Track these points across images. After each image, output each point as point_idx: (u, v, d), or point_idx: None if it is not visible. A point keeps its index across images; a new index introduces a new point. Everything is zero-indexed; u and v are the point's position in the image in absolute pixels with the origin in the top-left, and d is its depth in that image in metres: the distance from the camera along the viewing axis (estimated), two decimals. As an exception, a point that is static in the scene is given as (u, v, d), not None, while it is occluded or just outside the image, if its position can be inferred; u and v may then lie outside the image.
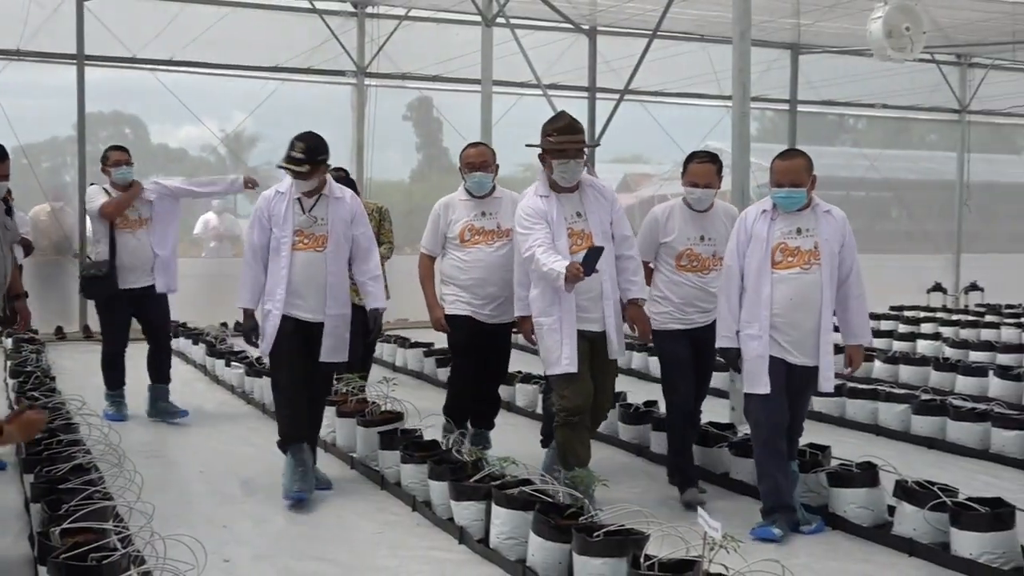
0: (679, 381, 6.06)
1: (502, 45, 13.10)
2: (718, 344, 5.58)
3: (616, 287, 5.75)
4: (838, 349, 5.52)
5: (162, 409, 8.11)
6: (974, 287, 17.62)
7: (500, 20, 12.81)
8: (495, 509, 4.91)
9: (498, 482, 5.12)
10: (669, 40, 15.23)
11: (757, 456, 5.49)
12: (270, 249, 5.98)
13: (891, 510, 5.32)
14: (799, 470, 5.63)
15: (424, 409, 6.84)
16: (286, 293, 5.90)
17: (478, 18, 12.93)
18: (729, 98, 7.98)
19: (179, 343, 11.36)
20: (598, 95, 16.24)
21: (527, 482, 5.05)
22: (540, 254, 5.42)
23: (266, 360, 6.65)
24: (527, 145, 5.87)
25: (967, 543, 4.74)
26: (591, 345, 5.61)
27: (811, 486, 5.68)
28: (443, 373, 9.37)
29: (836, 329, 5.48)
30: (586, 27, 15.76)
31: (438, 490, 5.41)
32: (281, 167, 5.91)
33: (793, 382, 5.40)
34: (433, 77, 15.88)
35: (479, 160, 6.57)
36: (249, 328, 6.11)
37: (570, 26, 14.74)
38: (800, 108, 17.81)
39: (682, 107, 17.63)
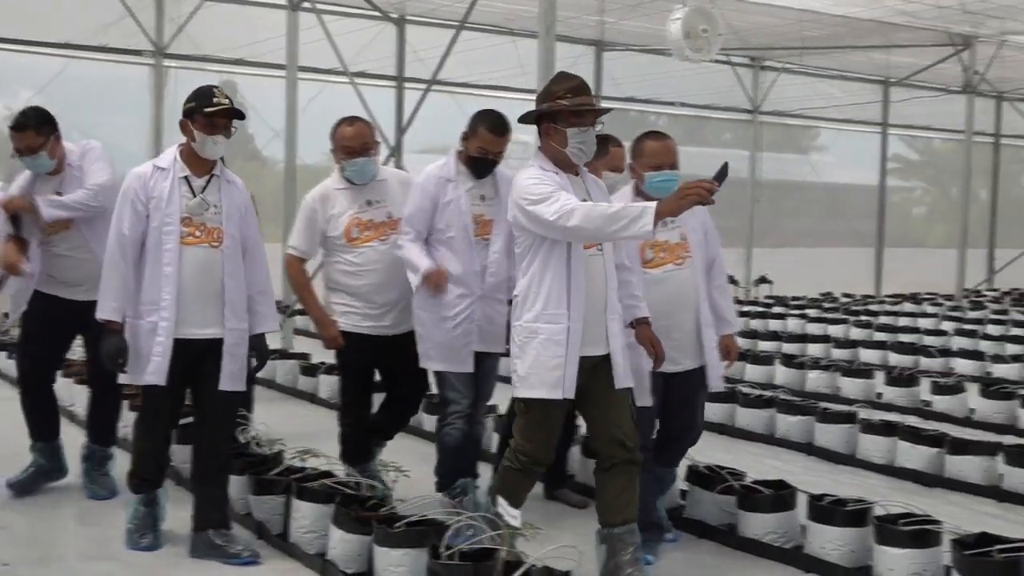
0: None
1: (309, 30, 12.86)
2: None
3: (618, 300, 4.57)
4: None
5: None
6: (763, 280, 18.55)
7: (306, 5, 12.58)
8: (295, 503, 4.82)
9: (299, 475, 5.03)
10: (478, 32, 15.34)
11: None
12: (146, 243, 4.69)
13: (683, 494, 5.52)
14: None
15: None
16: (175, 302, 4.66)
17: (284, 1, 12.66)
18: (535, 92, 8.08)
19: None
20: (406, 85, 16.19)
21: (328, 475, 4.98)
22: (591, 207, 4.17)
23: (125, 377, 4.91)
24: (522, 118, 4.56)
25: (753, 524, 4.98)
26: (588, 374, 4.35)
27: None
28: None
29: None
30: (395, 15, 15.68)
31: (236, 485, 5.27)
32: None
33: (677, 391, 4.90)
34: (237, 61, 15.46)
35: (358, 143, 5.37)
36: (115, 349, 4.72)
37: (378, 14, 14.64)
38: (603, 104, 18.21)
39: (489, 100, 17.77)
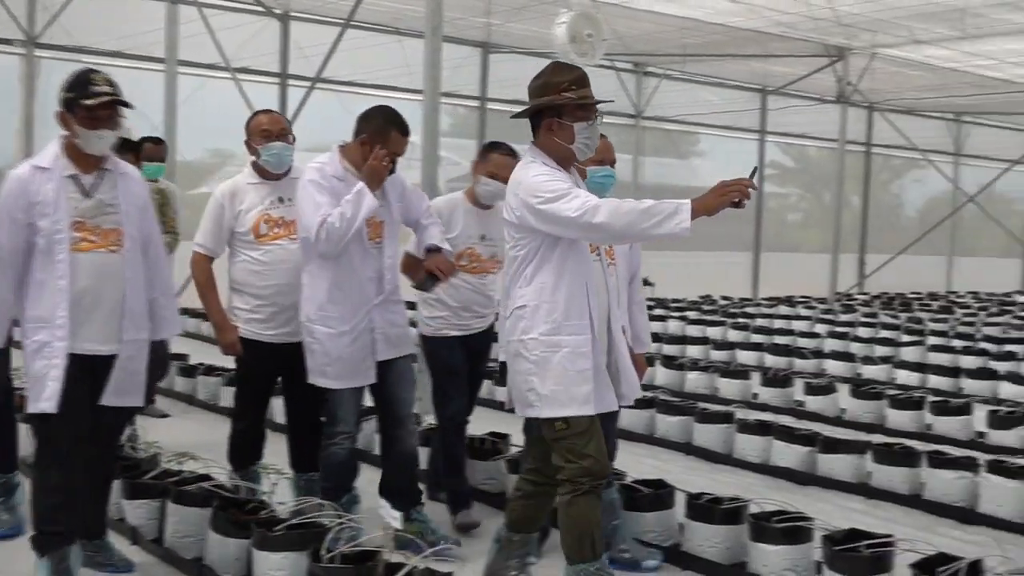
0: (454, 392, 5.38)
1: (189, 24, 12.59)
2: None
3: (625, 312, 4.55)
4: None
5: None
6: (646, 282, 18.80)
7: (187, -3, 12.32)
8: (171, 507, 4.71)
9: (175, 479, 4.91)
10: (364, 31, 15.23)
11: None
12: (33, 252, 4.07)
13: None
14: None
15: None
16: (70, 317, 4.07)
17: (163, -7, 12.37)
18: (421, 92, 8.08)
19: None
20: (290, 82, 15.96)
21: (206, 478, 4.88)
22: (619, 202, 3.87)
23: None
24: (515, 115, 4.30)
25: (633, 524, 5.04)
26: None
27: (492, 473, 5.82)
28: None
29: None
30: (279, 11, 15.45)
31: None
32: None
33: None
34: (114, 53, 15.01)
35: (276, 127, 5.18)
36: None
37: (262, 9, 14.41)
38: (490, 106, 18.32)
39: (375, 98, 17.63)
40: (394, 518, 3.83)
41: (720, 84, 20.52)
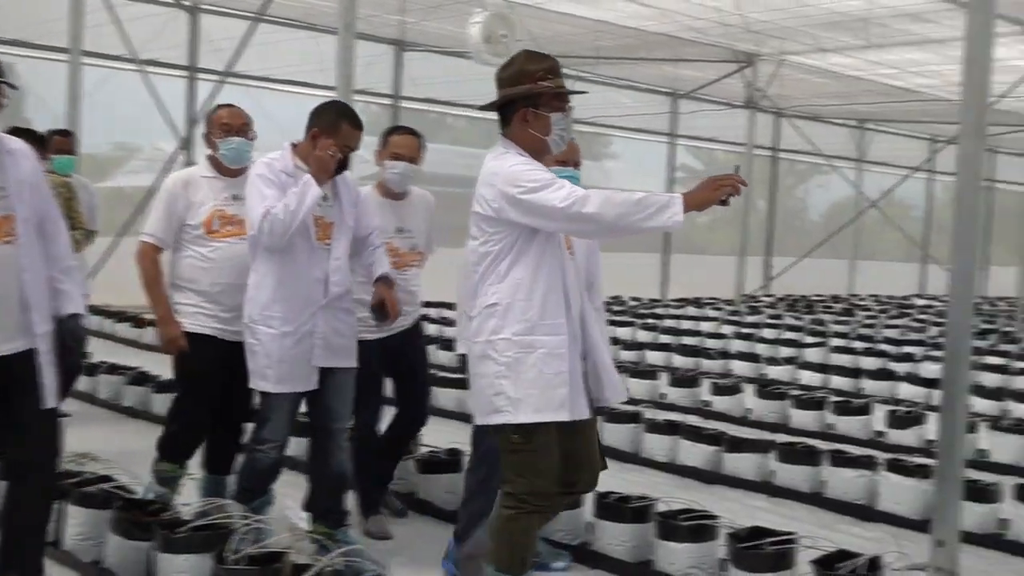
0: (367, 398, 5.16)
1: (95, 13, 12.29)
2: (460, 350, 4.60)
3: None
4: None
5: None
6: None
7: (93, -14, 12.02)
8: (70, 508, 4.58)
9: (75, 480, 4.77)
10: (278, 26, 15.03)
11: (479, 476, 4.64)
12: None
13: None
14: None
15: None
16: None
17: (68, -18, 12.05)
18: (334, 89, 7.98)
19: None
20: (199, 76, 15.67)
21: (107, 479, 4.76)
22: (610, 192, 3.68)
23: None
24: (485, 107, 4.11)
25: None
26: None
27: (400, 474, 5.76)
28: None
29: None
30: (188, 3, 15.17)
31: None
32: None
33: None
34: (13, 41, 14.57)
35: (238, 121, 5.02)
36: None
37: (171, 0, 14.12)
38: (404, 104, 18.22)
39: (287, 94, 17.44)
40: (301, 519, 3.77)
41: (632, 87, 20.71)
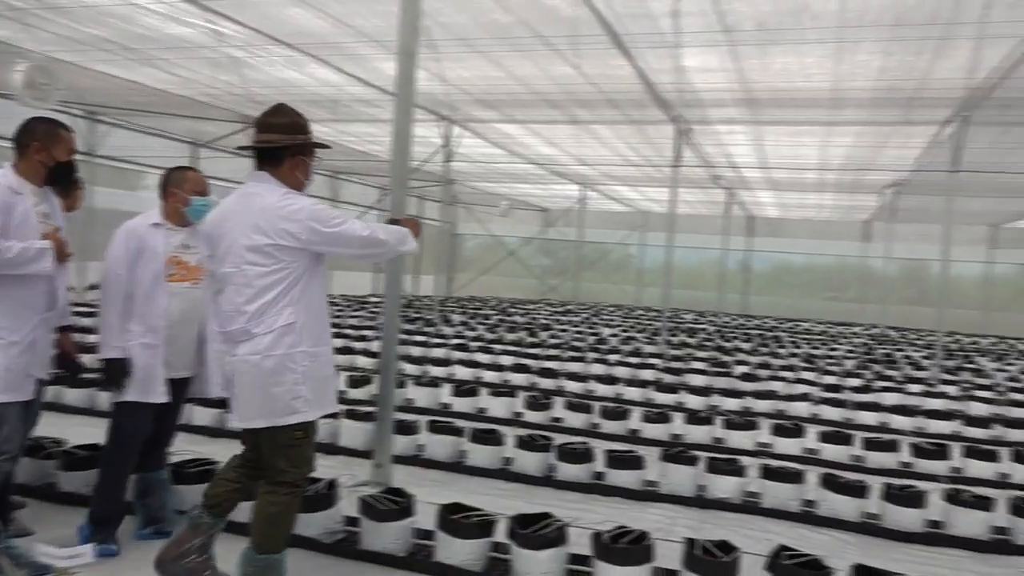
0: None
1: None
2: (105, 355, 3.96)
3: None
4: None
5: None
6: (95, 287, 16.96)
7: None
8: None
9: None
10: None
11: (116, 463, 4.06)
12: None
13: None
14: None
15: None
16: None
17: None
18: None
19: None
20: None
21: None
22: (383, 224, 3.60)
23: None
24: (253, 145, 3.53)
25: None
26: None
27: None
28: None
29: None
30: None
31: None
32: None
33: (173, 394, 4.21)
34: None
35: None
36: None
37: None
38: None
39: None
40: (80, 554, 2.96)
41: (160, 135, 19.21)
